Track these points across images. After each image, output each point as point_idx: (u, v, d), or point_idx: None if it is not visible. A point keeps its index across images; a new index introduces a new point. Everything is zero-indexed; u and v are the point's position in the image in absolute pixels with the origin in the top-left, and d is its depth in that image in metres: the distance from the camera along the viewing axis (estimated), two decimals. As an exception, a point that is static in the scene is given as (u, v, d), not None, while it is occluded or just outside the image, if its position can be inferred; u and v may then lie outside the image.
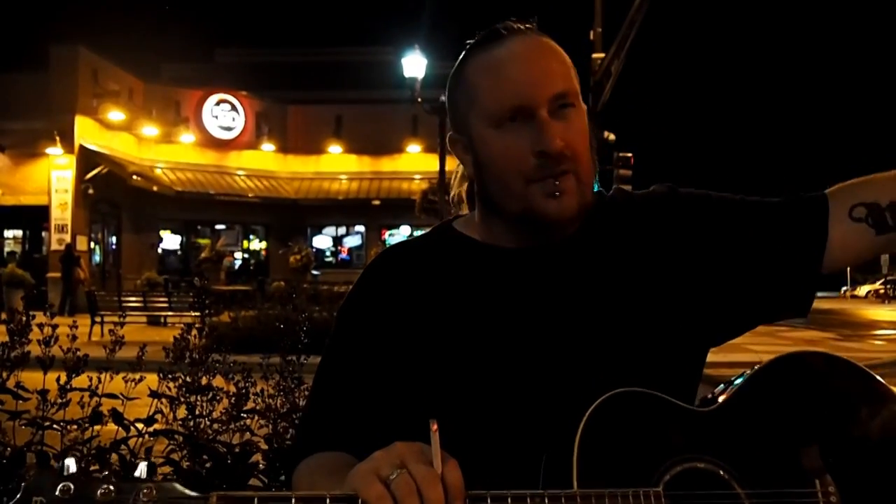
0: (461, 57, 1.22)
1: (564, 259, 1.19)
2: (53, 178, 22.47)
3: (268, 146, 29.55)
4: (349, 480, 0.91)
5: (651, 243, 1.20)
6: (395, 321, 1.18)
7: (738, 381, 1.09)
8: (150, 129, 25.70)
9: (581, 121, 1.16)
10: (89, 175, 22.78)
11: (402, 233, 29.72)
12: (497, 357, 1.13)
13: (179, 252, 29.20)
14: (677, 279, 1.18)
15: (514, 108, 1.12)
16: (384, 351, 1.17)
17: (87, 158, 22.82)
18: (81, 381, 2.66)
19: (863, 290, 52.55)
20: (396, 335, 1.17)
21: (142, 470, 0.87)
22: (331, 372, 1.20)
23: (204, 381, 2.83)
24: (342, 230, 31.75)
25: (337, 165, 30.24)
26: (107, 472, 2.36)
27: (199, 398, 2.76)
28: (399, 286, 1.21)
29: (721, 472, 1.00)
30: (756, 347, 11.27)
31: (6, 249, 24.19)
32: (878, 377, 1.12)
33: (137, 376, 2.87)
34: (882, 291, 47.55)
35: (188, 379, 2.79)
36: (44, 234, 23.32)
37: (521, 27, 1.18)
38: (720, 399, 1.07)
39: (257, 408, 2.79)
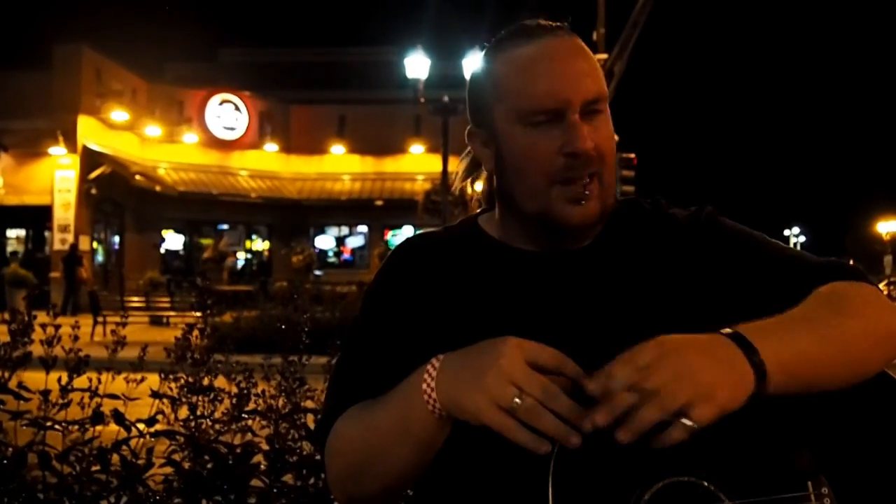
0: (487, 49, 1.19)
1: (581, 267, 1.16)
2: (56, 177, 22.50)
3: (271, 146, 29.57)
4: (464, 406, 0.94)
5: (671, 264, 1.17)
6: (411, 312, 1.17)
7: None
8: (154, 129, 25.73)
9: (608, 125, 1.14)
10: (92, 175, 22.80)
11: (404, 233, 29.72)
12: None
13: (182, 252, 29.22)
14: (688, 305, 1.14)
15: (546, 109, 1.10)
16: (400, 341, 1.15)
17: (91, 158, 22.85)
18: (83, 381, 2.66)
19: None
20: (412, 326, 1.16)
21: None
22: (353, 355, 1.20)
23: (206, 381, 2.82)
24: (345, 230, 31.77)
25: (340, 166, 30.26)
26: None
27: (200, 399, 2.76)
28: (417, 278, 1.19)
29: (706, 483, 0.95)
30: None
31: (9, 249, 24.21)
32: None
33: (139, 377, 2.87)
34: (886, 293, 47.35)
35: (190, 379, 2.79)
36: (47, 233, 23.35)
37: (554, 26, 1.16)
38: None
39: (259, 408, 2.78)
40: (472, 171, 1.33)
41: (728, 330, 0.99)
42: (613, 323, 1.12)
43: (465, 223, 1.28)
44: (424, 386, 0.99)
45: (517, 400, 0.90)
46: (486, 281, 1.17)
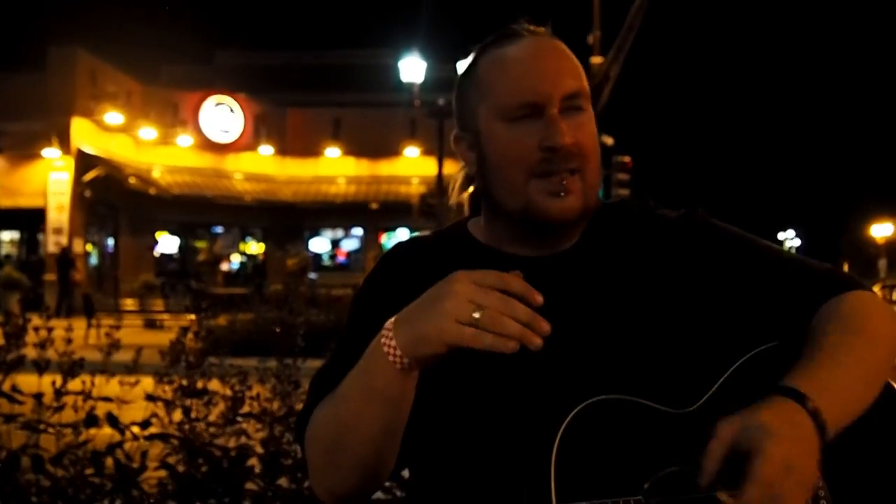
0: (474, 55, 1.22)
1: (566, 269, 1.17)
2: (50, 180, 22.45)
3: (266, 149, 29.54)
4: (427, 335, 0.96)
5: (661, 264, 1.18)
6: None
7: (720, 376, 1.07)
8: (148, 132, 25.69)
9: (591, 124, 1.17)
10: (87, 177, 22.76)
11: (399, 236, 29.71)
12: (484, 367, 1.10)
13: (177, 255, 29.17)
14: (677, 304, 1.15)
15: (525, 103, 1.12)
16: None
17: (85, 160, 22.81)
18: (77, 384, 2.65)
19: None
20: None
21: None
22: (336, 357, 1.21)
23: (200, 384, 2.82)
24: (340, 233, 31.75)
25: (335, 168, 30.24)
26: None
27: (195, 402, 2.75)
28: (404, 281, 1.20)
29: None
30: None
31: (2, 252, 24.15)
32: None
33: (133, 379, 2.86)
34: (881, 296, 47.49)
35: (184, 382, 2.78)
36: (40, 236, 23.29)
37: (535, 29, 1.19)
38: (702, 398, 1.05)
39: (253, 411, 2.78)
40: (469, 182, 1.33)
41: (790, 385, 1.01)
42: (600, 324, 1.12)
43: (454, 228, 1.30)
44: (384, 340, 1.01)
45: (476, 315, 0.93)
46: None
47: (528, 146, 1.12)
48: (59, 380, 2.62)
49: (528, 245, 1.19)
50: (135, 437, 2.53)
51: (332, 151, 30.07)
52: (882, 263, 38.02)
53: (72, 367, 2.66)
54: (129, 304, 16.45)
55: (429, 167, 24.56)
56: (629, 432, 0.98)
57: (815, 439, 0.97)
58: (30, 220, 23.14)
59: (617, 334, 1.12)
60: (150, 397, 2.74)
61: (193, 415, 2.72)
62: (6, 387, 2.59)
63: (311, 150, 29.98)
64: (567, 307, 1.13)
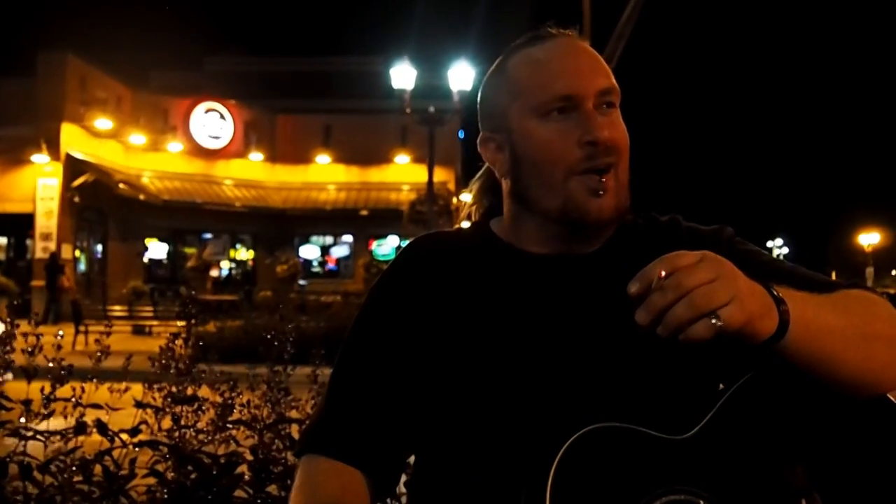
0: (501, 57, 1.23)
1: (589, 271, 1.17)
2: (39, 185, 22.35)
3: (256, 155, 29.51)
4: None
5: None
6: (416, 311, 1.16)
7: (718, 400, 1.05)
8: (138, 138, 25.61)
9: (622, 121, 1.17)
10: (75, 183, 22.66)
11: (389, 243, 29.71)
12: (501, 368, 1.10)
13: (166, 261, 29.07)
14: None
15: (562, 98, 1.12)
16: (404, 346, 1.16)
17: (74, 166, 22.72)
18: (65, 390, 2.64)
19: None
20: (415, 326, 1.16)
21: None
22: (354, 359, 1.19)
23: (189, 391, 2.81)
24: (330, 240, 31.70)
25: (325, 175, 30.23)
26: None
27: (184, 409, 2.74)
28: (425, 277, 1.19)
29: (702, 502, 0.97)
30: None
31: (-10, 257, 24.02)
32: None
33: (122, 386, 2.85)
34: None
35: (174, 389, 2.78)
36: (28, 241, 23.16)
37: (564, 32, 1.20)
38: (700, 423, 1.03)
39: (243, 418, 2.77)
40: (486, 193, 1.32)
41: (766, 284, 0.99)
42: (617, 328, 1.10)
43: (476, 226, 1.28)
44: None
45: None
46: (493, 282, 1.17)
47: (567, 143, 1.12)
48: (47, 386, 2.60)
49: (555, 245, 1.18)
50: (124, 444, 2.52)
51: (323, 158, 30.06)
52: (869, 271, 38.23)
53: (61, 374, 2.65)
54: (118, 310, 16.35)
55: (419, 174, 24.59)
56: (628, 460, 0.97)
57: (770, 306, 0.94)
58: (18, 226, 23.01)
59: (624, 346, 1.10)
60: (140, 404, 2.73)
61: (183, 422, 2.72)
62: (-6, 393, 2.57)
63: (301, 156, 29.95)
64: (586, 308, 1.13)
